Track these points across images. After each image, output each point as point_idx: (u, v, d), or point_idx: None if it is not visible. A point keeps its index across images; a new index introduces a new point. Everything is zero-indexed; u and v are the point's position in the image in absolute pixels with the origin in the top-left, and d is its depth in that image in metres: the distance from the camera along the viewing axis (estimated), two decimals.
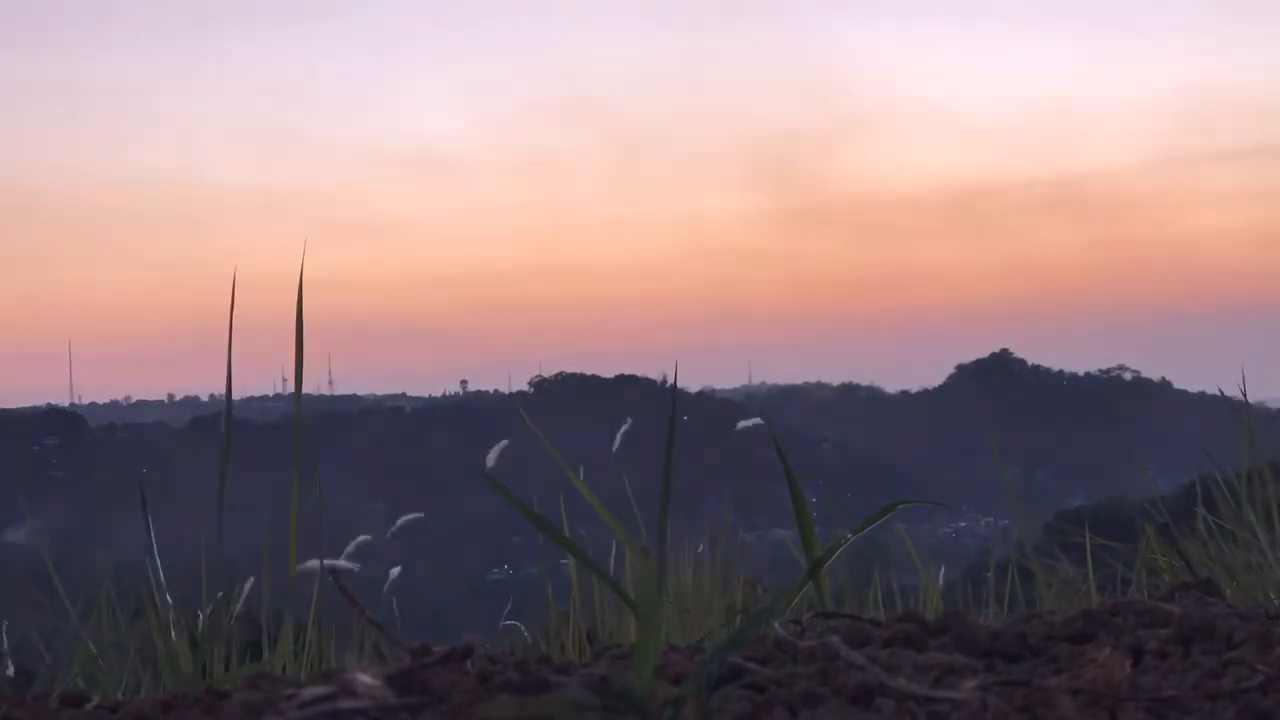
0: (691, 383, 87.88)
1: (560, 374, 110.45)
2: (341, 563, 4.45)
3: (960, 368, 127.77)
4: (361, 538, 4.70)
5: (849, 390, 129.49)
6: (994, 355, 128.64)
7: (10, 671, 4.53)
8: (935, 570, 5.67)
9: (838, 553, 3.71)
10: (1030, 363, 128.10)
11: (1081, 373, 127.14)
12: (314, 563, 4.21)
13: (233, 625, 4.14)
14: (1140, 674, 2.90)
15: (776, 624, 3.48)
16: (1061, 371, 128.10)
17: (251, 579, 4.48)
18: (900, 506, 3.64)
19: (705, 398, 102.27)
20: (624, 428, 5.86)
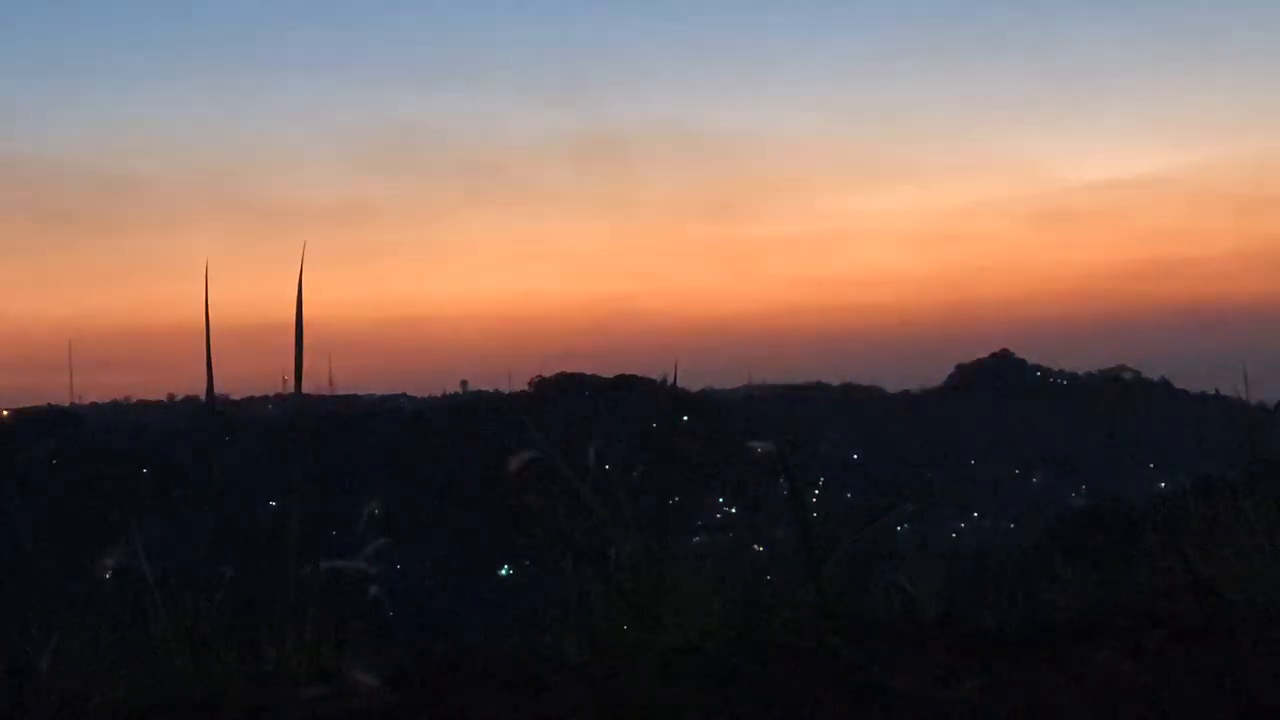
0: (692, 383, 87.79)
1: (560, 374, 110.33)
2: (342, 563, 4.45)
3: (960, 368, 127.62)
4: (380, 540, 4.68)
5: (849, 390, 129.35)
6: (994, 355, 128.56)
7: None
8: (936, 570, 5.67)
9: (838, 553, 3.70)
10: (1031, 363, 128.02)
11: (1081, 373, 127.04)
12: (317, 563, 4.21)
13: (233, 625, 4.14)
14: (1140, 674, 2.90)
15: (777, 624, 3.48)
16: (1061, 371, 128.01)
17: (252, 579, 4.47)
18: (900, 507, 3.64)
19: (706, 398, 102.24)
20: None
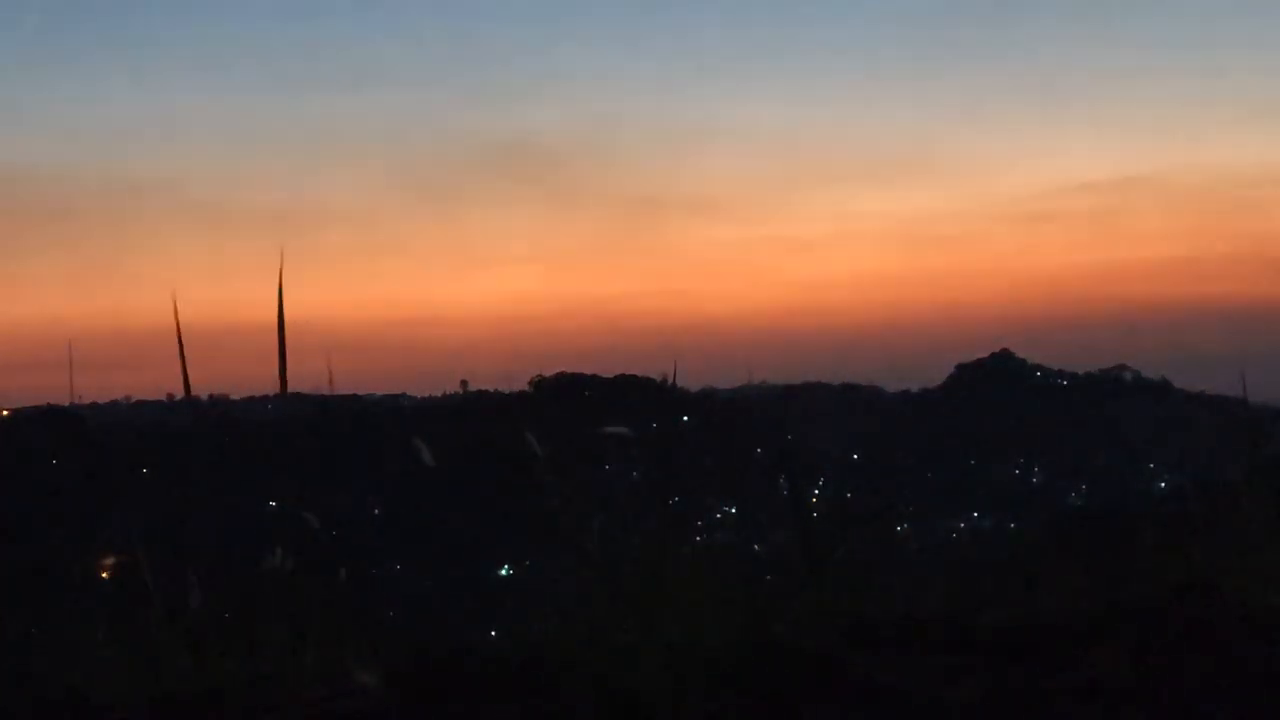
0: (692, 383, 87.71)
1: (560, 374, 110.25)
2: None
3: (960, 368, 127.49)
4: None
5: (849, 390, 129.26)
6: (994, 355, 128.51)
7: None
8: (936, 570, 5.66)
9: (838, 553, 3.70)
10: (1031, 363, 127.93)
11: (1081, 373, 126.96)
12: (313, 563, 4.21)
13: (233, 624, 4.14)
14: (1141, 674, 2.89)
15: (777, 624, 3.48)
16: (1061, 371, 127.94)
17: (252, 577, 4.47)
18: (900, 507, 3.64)
19: (706, 398, 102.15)
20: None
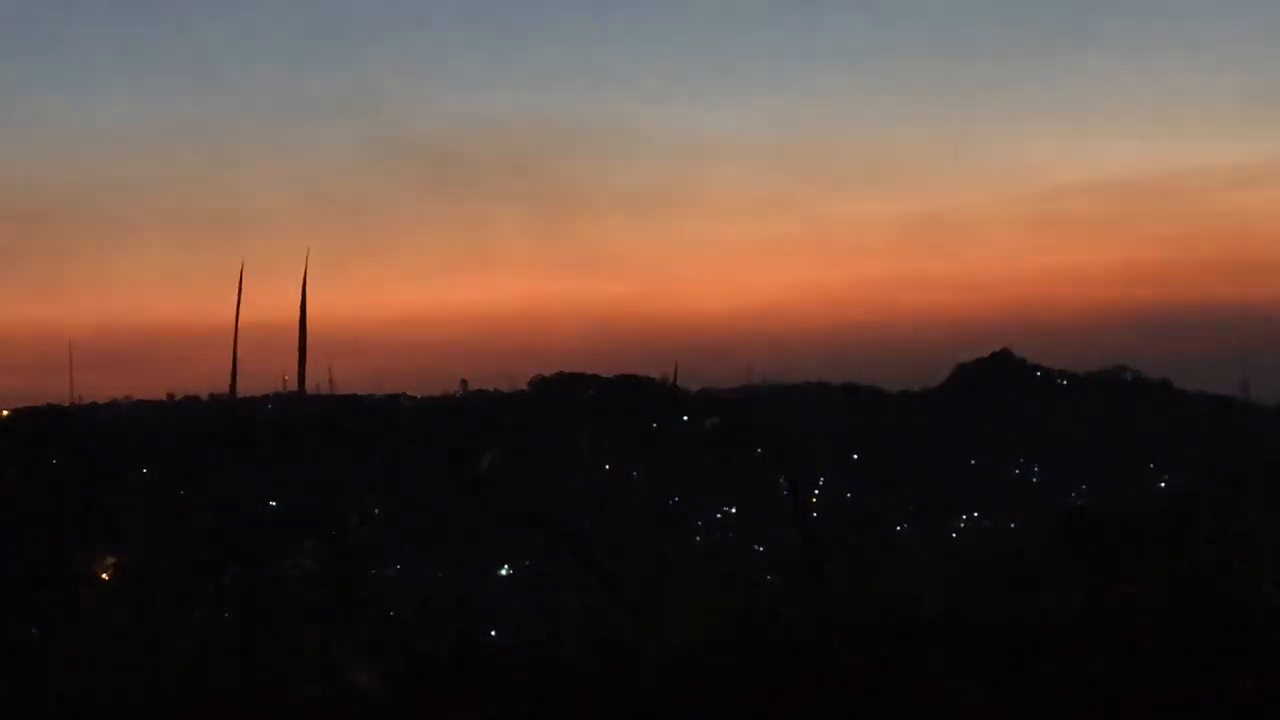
0: (692, 383, 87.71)
1: (560, 374, 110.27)
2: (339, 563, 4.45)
3: (960, 367, 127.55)
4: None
5: (849, 390, 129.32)
6: (994, 355, 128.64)
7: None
8: (936, 571, 5.67)
9: (838, 553, 3.70)
10: (1030, 363, 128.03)
11: (1081, 372, 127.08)
12: (313, 563, 4.21)
13: (233, 624, 4.14)
14: (1141, 675, 2.90)
15: (777, 624, 3.48)
16: (1061, 371, 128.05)
17: (253, 578, 4.48)
18: (900, 507, 3.64)
19: (706, 398, 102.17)
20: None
